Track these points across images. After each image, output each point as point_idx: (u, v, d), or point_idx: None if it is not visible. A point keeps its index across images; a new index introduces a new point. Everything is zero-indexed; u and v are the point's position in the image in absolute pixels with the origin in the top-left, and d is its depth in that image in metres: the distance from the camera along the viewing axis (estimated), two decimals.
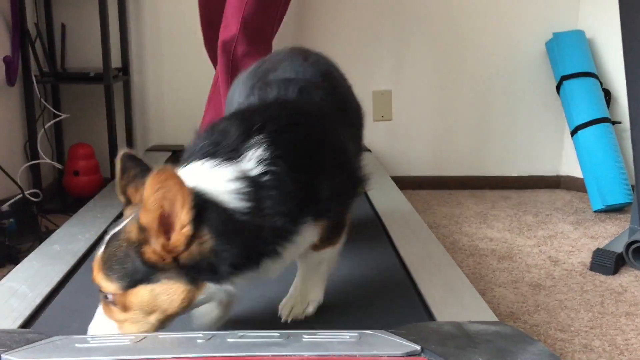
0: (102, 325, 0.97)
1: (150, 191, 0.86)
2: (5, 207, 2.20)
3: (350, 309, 1.25)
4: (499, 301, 1.85)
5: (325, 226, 1.07)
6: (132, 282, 0.91)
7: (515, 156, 3.18)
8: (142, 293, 0.92)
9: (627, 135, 2.54)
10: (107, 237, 0.95)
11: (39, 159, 2.63)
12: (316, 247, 1.12)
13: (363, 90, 3.01)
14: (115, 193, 2.13)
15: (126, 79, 2.91)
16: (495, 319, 1.23)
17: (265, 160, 0.97)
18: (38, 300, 1.26)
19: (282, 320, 1.19)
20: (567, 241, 2.39)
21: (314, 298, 1.22)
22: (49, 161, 2.73)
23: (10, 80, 2.46)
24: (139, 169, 1.00)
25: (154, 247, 0.90)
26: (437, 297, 1.31)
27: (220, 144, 0.99)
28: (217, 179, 0.94)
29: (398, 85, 3.08)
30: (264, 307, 1.24)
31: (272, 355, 0.84)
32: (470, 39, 3.05)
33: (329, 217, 1.06)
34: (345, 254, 1.24)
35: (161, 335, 0.92)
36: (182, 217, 0.88)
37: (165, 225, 0.89)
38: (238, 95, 1.35)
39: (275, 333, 0.92)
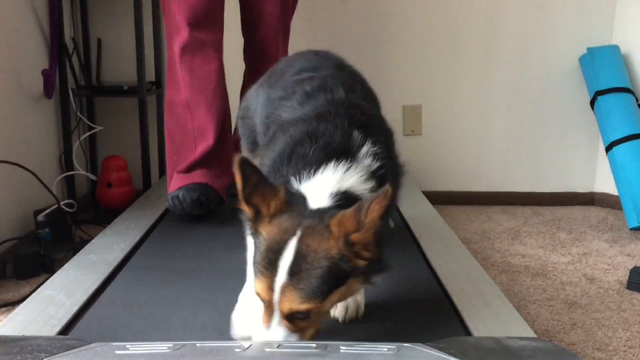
0: (281, 334, 0.97)
1: (377, 214, 0.90)
2: (41, 217, 2.23)
3: (386, 322, 1.23)
4: (533, 319, 1.81)
5: None
6: (329, 291, 0.95)
7: (547, 172, 3.14)
8: (333, 298, 0.97)
9: None
10: (280, 262, 0.94)
11: (73, 170, 2.68)
12: None
13: (393, 105, 3.01)
14: (148, 204, 2.18)
15: (159, 93, 2.95)
16: (533, 335, 1.20)
17: (378, 154, 1.05)
18: (75, 309, 1.27)
19: (340, 321, 1.21)
20: (602, 259, 2.34)
21: (362, 298, 1.25)
22: (83, 172, 2.77)
23: (47, 93, 2.51)
24: (257, 175, 0.97)
25: (365, 256, 0.95)
26: (472, 312, 1.29)
27: (330, 147, 1.04)
28: (356, 182, 1.01)
29: (428, 100, 3.07)
30: None
31: None
32: (503, 53, 3.03)
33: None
34: None
35: (199, 343, 0.92)
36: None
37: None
38: (262, 95, 1.42)
39: (313, 344, 0.91)
